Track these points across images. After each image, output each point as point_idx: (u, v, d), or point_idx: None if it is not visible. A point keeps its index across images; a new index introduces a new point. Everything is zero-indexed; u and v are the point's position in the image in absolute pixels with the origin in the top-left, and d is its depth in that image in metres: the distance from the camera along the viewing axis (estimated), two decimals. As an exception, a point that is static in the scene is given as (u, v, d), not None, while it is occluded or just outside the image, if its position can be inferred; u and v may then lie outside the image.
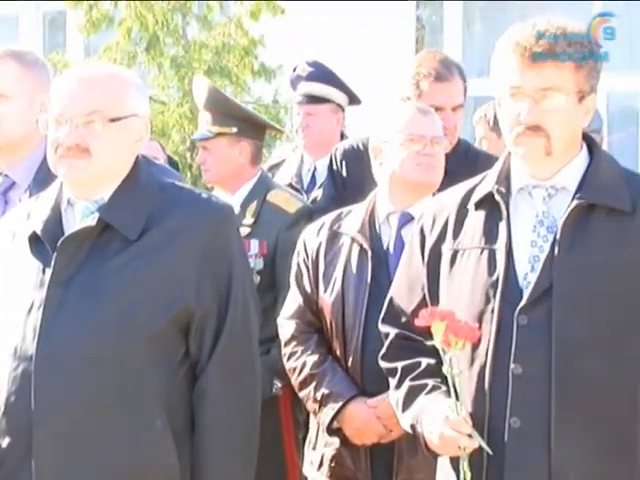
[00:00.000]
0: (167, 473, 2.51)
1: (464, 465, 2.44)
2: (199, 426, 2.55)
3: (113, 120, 2.54)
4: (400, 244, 3.22)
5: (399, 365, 2.65)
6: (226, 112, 4.28)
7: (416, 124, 3.36)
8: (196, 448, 2.54)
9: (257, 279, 3.96)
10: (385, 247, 3.32)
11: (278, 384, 3.97)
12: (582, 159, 2.58)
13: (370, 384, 3.16)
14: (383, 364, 2.73)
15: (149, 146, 5.11)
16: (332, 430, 3.29)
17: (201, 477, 2.55)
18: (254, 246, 4.08)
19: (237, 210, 4.09)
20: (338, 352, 3.32)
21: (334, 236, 3.38)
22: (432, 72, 3.92)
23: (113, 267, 2.52)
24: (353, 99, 5.07)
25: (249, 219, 4.14)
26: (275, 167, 5.39)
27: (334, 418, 3.26)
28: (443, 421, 2.45)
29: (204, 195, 2.67)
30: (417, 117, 3.38)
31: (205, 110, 4.34)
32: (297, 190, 4.83)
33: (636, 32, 12.68)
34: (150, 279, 2.51)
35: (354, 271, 3.30)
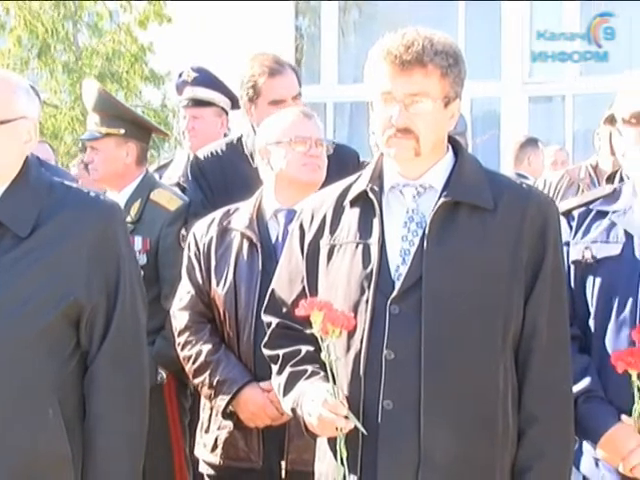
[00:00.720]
0: (59, 460, 2.47)
1: (341, 445, 2.45)
2: (90, 414, 2.51)
3: (2, 122, 2.48)
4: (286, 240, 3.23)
5: (280, 352, 2.65)
6: (115, 114, 4.23)
7: (301, 127, 3.38)
8: (87, 435, 2.51)
9: (141, 274, 3.93)
10: (274, 242, 3.32)
11: (163, 373, 3.97)
12: (448, 160, 2.61)
13: (262, 370, 3.14)
14: (265, 352, 2.72)
15: (40, 148, 5.01)
16: (227, 414, 3.28)
17: (92, 463, 2.51)
18: (138, 242, 4.05)
19: (122, 208, 4.07)
20: (231, 341, 3.31)
21: (224, 231, 3.38)
22: (265, 69, 3.95)
23: (5, 263, 2.45)
24: (236, 103, 5.06)
25: (133, 217, 4.11)
26: (164, 167, 5.36)
27: (229, 403, 3.25)
28: (321, 404, 2.45)
29: (92, 194, 2.63)
30: (302, 120, 3.40)
31: (94, 112, 4.29)
32: (184, 189, 4.80)
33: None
34: (41, 275, 2.46)
35: (245, 264, 3.30)
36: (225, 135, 4.99)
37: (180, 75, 5.06)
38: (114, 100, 4.50)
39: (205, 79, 4.99)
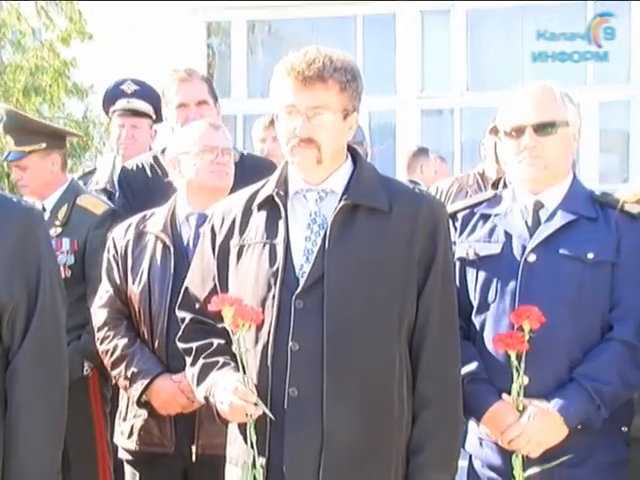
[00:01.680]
0: None
1: (251, 430, 2.45)
2: (11, 406, 2.45)
3: None
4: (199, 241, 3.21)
5: (194, 345, 2.64)
6: (32, 131, 4.15)
7: (208, 137, 3.36)
8: (8, 425, 2.45)
9: (69, 273, 3.92)
10: (185, 244, 3.30)
11: (88, 366, 3.92)
12: (347, 167, 2.62)
13: (174, 362, 3.12)
14: (180, 345, 2.70)
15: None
16: (141, 403, 3.26)
17: (13, 451, 2.45)
18: (66, 244, 4.03)
19: (49, 213, 4.04)
20: (146, 335, 3.28)
21: (140, 235, 3.35)
22: (176, 77, 4.03)
23: None
24: (158, 117, 5.06)
25: (61, 220, 4.08)
26: (89, 174, 5.32)
27: (143, 392, 3.23)
28: (232, 392, 2.45)
29: (14, 199, 2.57)
30: (209, 131, 3.39)
31: (7, 134, 4.18)
32: (111, 194, 4.75)
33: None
34: None
35: (159, 265, 3.27)
36: (150, 147, 4.98)
37: (118, 85, 5.02)
38: (28, 118, 4.41)
39: (145, 92, 4.99)
